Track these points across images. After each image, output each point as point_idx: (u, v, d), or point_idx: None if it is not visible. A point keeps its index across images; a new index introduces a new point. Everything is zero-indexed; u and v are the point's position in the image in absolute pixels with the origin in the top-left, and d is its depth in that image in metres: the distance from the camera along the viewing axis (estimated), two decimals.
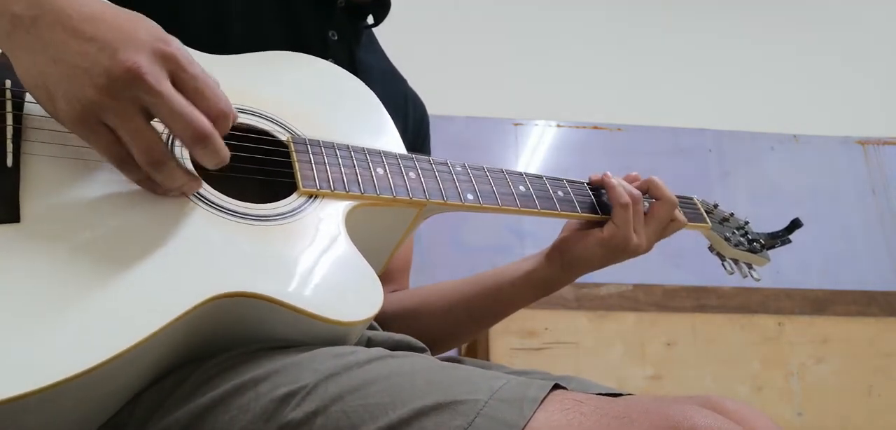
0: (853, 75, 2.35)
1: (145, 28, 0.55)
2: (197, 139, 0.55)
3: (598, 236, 0.87)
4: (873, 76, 2.37)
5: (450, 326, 0.94)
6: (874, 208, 2.15)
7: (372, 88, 0.86)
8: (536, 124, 2.10)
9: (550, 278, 0.92)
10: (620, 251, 0.88)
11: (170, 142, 0.62)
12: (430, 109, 1.07)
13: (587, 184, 0.90)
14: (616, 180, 0.87)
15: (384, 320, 0.90)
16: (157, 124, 0.56)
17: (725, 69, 2.30)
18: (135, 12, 0.57)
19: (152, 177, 0.57)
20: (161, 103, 0.53)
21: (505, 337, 1.63)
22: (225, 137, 0.68)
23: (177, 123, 0.54)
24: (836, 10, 2.44)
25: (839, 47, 2.38)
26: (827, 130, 2.22)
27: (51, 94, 0.53)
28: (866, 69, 2.37)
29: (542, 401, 0.49)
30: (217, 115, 0.56)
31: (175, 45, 0.56)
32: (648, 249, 0.90)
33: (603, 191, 0.90)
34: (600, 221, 0.89)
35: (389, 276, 1.01)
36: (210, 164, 0.57)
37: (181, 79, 0.55)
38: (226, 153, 0.57)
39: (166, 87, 0.53)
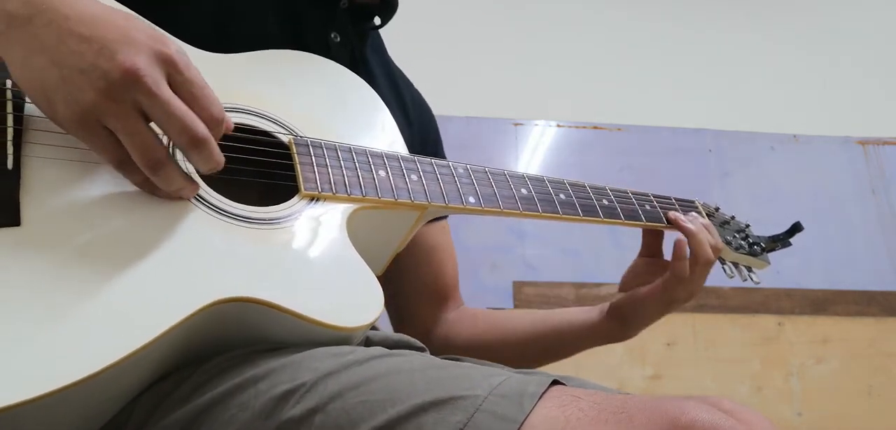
0: (853, 75, 2.35)
1: (142, 29, 0.55)
2: (192, 143, 0.55)
3: (653, 292, 0.88)
4: (873, 76, 2.37)
5: (523, 360, 0.95)
6: (874, 208, 2.15)
7: (376, 90, 0.85)
8: (536, 124, 2.10)
9: (610, 333, 0.94)
10: (678, 302, 0.89)
11: (170, 147, 0.62)
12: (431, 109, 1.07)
13: (589, 186, 0.90)
14: (698, 230, 0.87)
15: (457, 351, 0.91)
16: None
17: (725, 69, 2.30)
18: (129, 11, 0.57)
19: (151, 179, 0.56)
20: (157, 106, 0.53)
21: None
22: (228, 138, 0.68)
23: (173, 126, 0.54)
24: (837, 11, 2.44)
25: (839, 47, 2.38)
26: (827, 130, 2.22)
27: (49, 96, 0.53)
28: (866, 69, 2.37)
29: (541, 397, 0.50)
30: (210, 120, 0.56)
31: (173, 46, 0.55)
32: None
33: (604, 196, 0.89)
34: (600, 224, 0.88)
35: (446, 295, 1.01)
36: (204, 168, 0.57)
37: (177, 82, 0.55)
38: (220, 158, 0.57)
39: (164, 90, 0.53)
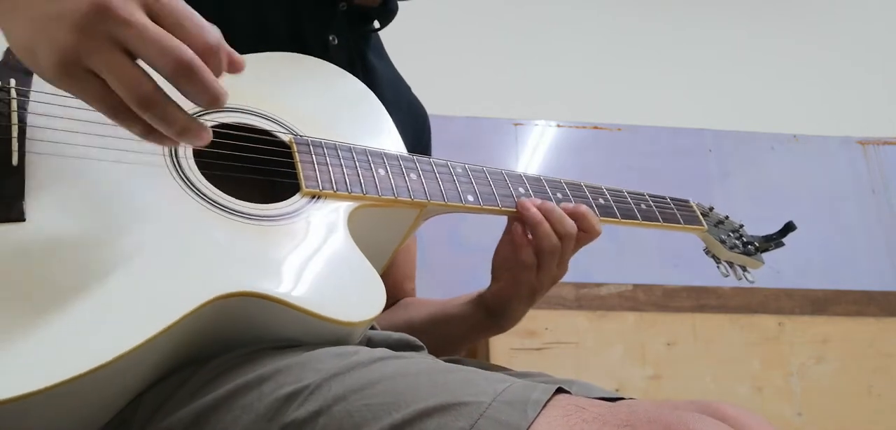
0: (853, 75, 2.35)
1: None
2: (178, 69, 0.50)
3: (508, 286, 0.85)
4: (873, 76, 2.37)
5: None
6: (874, 208, 2.15)
7: (375, 92, 0.86)
8: (536, 124, 2.10)
9: (482, 325, 0.91)
10: (540, 291, 0.86)
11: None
12: (430, 109, 1.07)
13: (585, 186, 0.90)
14: (540, 221, 0.82)
15: None
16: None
17: (725, 69, 2.30)
18: None
19: (149, 122, 0.53)
20: (132, 34, 0.49)
21: (505, 337, 1.62)
22: (230, 137, 0.69)
23: (151, 51, 0.49)
24: (836, 10, 2.44)
25: (839, 47, 2.38)
26: (827, 130, 2.22)
27: (33, 52, 0.52)
28: (866, 69, 2.37)
29: (546, 405, 0.50)
30: (204, 47, 0.52)
31: None
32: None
33: (600, 195, 0.90)
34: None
35: (392, 292, 0.99)
36: (201, 100, 0.52)
37: (157, 11, 0.51)
38: (219, 88, 0.52)
39: (138, 16, 0.50)
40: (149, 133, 0.54)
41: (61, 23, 0.50)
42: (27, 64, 0.54)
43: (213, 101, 0.52)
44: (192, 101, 0.52)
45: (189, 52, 0.50)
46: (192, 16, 0.52)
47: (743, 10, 2.39)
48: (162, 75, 0.51)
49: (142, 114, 0.52)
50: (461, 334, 0.93)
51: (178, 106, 0.53)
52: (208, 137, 0.55)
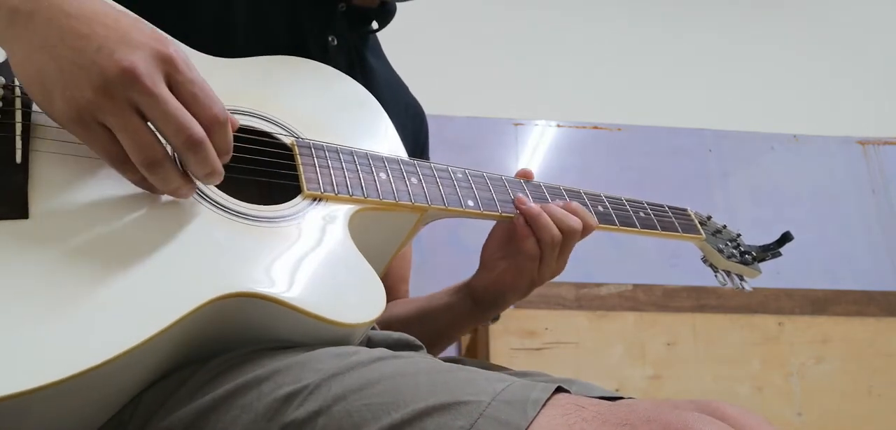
0: (853, 75, 2.35)
1: (142, 29, 0.55)
2: (188, 145, 0.54)
3: (509, 277, 0.86)
4: (873, 76, 2.37)
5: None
6: (874, 208, 2.15)
7: (374, 94, 0.86)
8: (536, 124, 2.10)
9: (471, 314, 0.91)
10: (539, 282, 0.87)
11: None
12: (431, 109, 1.07)
13: (584, 193, 0.91)
14: (538, 214, 0.83)
15: None
16: None
17: (725, 69, 2.30)
18: (133, 14, 0.57)
19: (148, 178, 0.56)
20: (154, 105, 0.53)
21: (505, 337, 1.63)
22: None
23: (169, 126, 0.53)
24: (837, 10, 2.45)
25: (839, 47, 2.39)
26: (827, 130, 2.22)
27: (47, 91, 0.53)
28: (866, 69, 2.37)
29: (545, 404, 0.49)
30: (211, 120, 0.56)
31: (173, 46, 0.55)
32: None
33: (599, 202, 0.90)
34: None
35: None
36: (200, 172, 0.56)
37: (176, 81, 0.55)
38: (217, 165, 0.57)
39: (161, 89, 0.53)
40: (141, 182, 0.58)
41: (88, 75, 0.52)
42: (34, 97, 0.55)
43: (209, 176, 0.57)
44: (191, 172, 0.57)
45: (201, 132, 0.54)
46: (204, 89, 0.56)
47: (743, 10, 2.39)
48: (171, 145, 0.55)
49: (145, 173, 0.55)
50: (447, 323, 0.93)
51: (177, 168, 0.57)
52: (194, 191, 0.60)
